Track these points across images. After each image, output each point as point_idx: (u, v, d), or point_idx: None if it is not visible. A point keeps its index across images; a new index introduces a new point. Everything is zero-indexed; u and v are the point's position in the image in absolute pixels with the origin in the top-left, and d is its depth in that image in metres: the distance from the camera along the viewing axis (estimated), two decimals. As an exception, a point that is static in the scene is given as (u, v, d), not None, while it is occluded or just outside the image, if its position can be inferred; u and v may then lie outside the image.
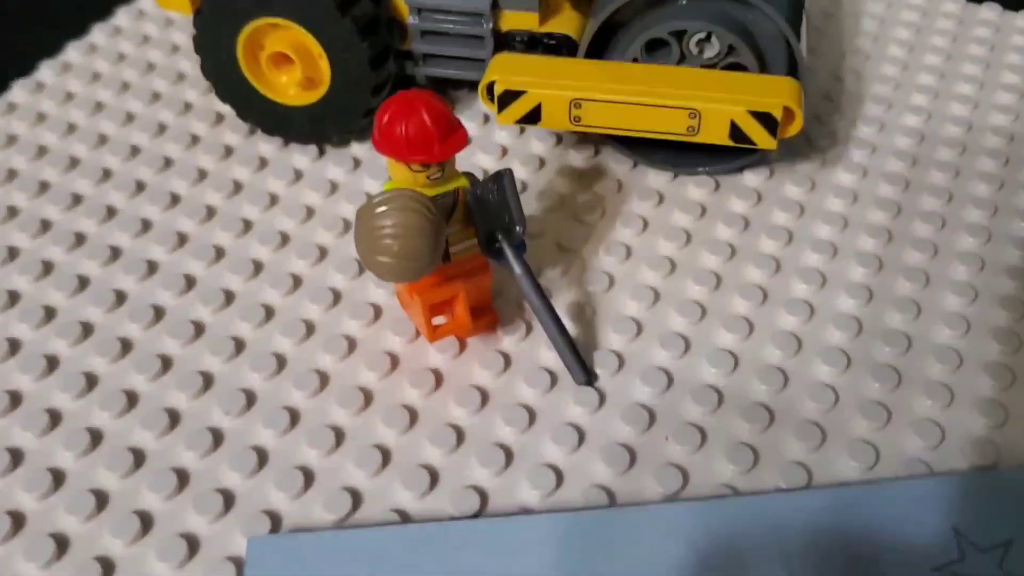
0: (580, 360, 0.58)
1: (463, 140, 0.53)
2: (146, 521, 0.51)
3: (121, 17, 0.86)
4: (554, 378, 0.58)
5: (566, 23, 0.68)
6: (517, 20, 0.68)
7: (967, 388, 0.57)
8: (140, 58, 0.81)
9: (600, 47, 0.67)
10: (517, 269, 0.56)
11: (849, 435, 0.55)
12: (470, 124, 0.75)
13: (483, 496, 0.53)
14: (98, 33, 0.84)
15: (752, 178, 0.70)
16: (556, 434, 0.55)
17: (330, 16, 0.64)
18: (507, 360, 0.59)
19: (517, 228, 0.56)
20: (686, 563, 0.48)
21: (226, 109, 0.75)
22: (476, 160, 0.72)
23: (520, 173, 0.71)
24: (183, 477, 0.53)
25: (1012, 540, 0.48)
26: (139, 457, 0.54)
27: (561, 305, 0.61)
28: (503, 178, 0.56)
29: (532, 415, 0.56)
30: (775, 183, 0.70)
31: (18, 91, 0.78)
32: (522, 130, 0.74)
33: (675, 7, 0.64)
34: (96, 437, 0.55)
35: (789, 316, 0.61)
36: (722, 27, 0.62)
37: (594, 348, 0.60)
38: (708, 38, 0.64)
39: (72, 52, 0.82)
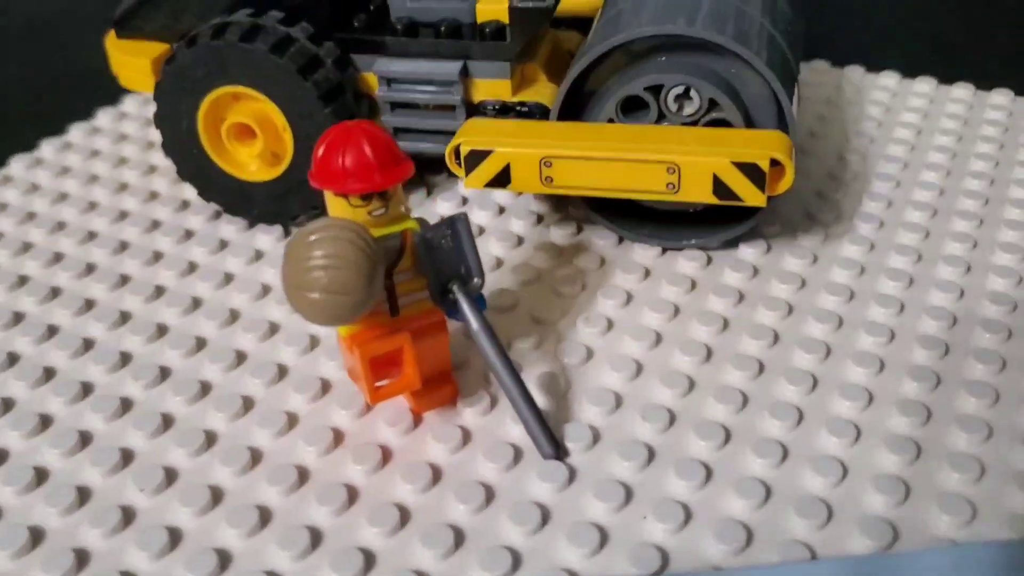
0: (547, 431, 0.50)
1: (408, 170, 0.48)
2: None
3: (101, 118, 0.84)
4: (518, 453, 0.51)
5: (540, 93, 0.65)
6: (489, 89, 0.64)
7: (999, 460, 0.49)
8: (113, 154, 0.79)
9: (575, 116, 0.63)
10: (474, 324, 0.50)
11: (861, 511, 0.47)
12: (447, 205, 0.70)
13: (426, 580, 0.45)
14: (75, 132, 0.82)
15: (748, 252, 0.64)
16: (516, 513, 0.47)
17: (290, 81, 0.61)
18: (466, 435, 0.52)
19: (475, 280, 0.51)
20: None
21: (193, 196, 0.72)
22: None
23: (496, 250, 0.66)
24: (83, 558, 0.46)
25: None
26: (37, 536, 0.47)
27: (532, 377, 0.55)
28: (457, 223, 0.50)
29: (490, 492, 0.49)
30: (773, 257, 0.64)
31: (-18, 183, 0.76)
32: (501, 210, 0.70)
33: (651, 63, 0.60)
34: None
35: (789, 386, 0.54)
36: (702, 80, 0.58)
37: (566, 421, 0.52)
38: (687, 93, 0.59)
39: (46, 148, 0.80)
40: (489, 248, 0.65)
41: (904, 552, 0.43)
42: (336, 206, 0.48)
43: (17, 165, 0.78)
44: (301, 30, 0.63)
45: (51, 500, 0.49)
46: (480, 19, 0.64)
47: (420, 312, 0.51)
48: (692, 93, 0.59)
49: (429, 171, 0.73)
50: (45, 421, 0.54)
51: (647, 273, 0.63)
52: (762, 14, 0.62)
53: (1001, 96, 0.82)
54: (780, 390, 0.54)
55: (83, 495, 0.49)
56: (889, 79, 0.85)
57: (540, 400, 0.52)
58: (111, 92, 0.85)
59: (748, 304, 0.60)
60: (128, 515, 0.48)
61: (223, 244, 0.67)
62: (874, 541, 0.45)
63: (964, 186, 0.70)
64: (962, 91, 0.83)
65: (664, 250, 0.65)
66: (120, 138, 0.81)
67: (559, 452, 0.50)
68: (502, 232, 0.67)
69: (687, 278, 0.62)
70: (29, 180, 0.76)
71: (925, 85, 0.84)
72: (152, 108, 0.66)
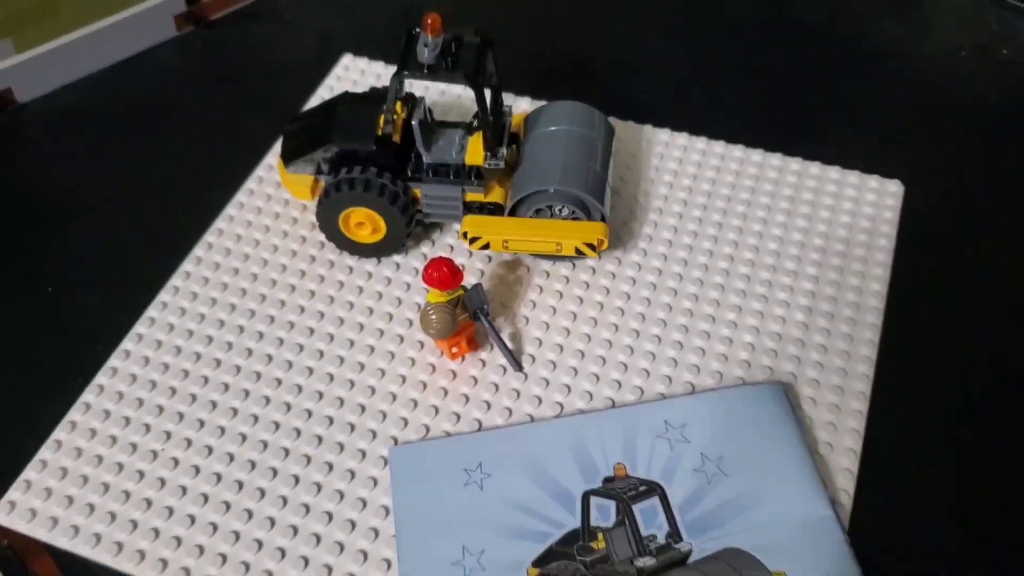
0: (514, 357, 1.31)
1: (460, 278, 1.26)
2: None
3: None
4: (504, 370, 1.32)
5: (497, 194, 1.41)
6: (472, 196, 1.40)
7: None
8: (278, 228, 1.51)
9: (513, 210, 1.40)
10: (485, 324, 1.30)
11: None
12: (451, 239, 1.46)
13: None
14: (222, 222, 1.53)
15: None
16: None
17: (387, 207, 1.36)
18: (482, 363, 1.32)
19: (485, 307, 1.30)
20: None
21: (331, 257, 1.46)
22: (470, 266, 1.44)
23: (480, 264, 1.43)
24: None
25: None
26: None
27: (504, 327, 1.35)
28: (479, 287, 1.29)
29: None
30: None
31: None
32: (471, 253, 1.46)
33: (547, 194, 1.37)
34: None
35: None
36: (573, 205, 1.36)
37: (521, 353, 1.33)
38: (564, 206, 1.38)
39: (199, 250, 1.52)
40: (475, 264, 1.43)
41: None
42: (434, 293, 1.26)
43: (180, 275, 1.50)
44: (387, 179, 1.37)
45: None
46: (468, 162, 1.39)
47: (465, 322, 1.30)
48: (566, 208, 1.37)
49: (440, 229, 1.48)
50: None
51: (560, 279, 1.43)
52: (594, 161, 1.39)
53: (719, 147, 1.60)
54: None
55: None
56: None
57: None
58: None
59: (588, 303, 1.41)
60: None
61: (351, 270, 1.43)
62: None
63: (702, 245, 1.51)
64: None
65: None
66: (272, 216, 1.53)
67: (521, 367, 1.31)
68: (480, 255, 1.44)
69: (564, 278, 1.42)
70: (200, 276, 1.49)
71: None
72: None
